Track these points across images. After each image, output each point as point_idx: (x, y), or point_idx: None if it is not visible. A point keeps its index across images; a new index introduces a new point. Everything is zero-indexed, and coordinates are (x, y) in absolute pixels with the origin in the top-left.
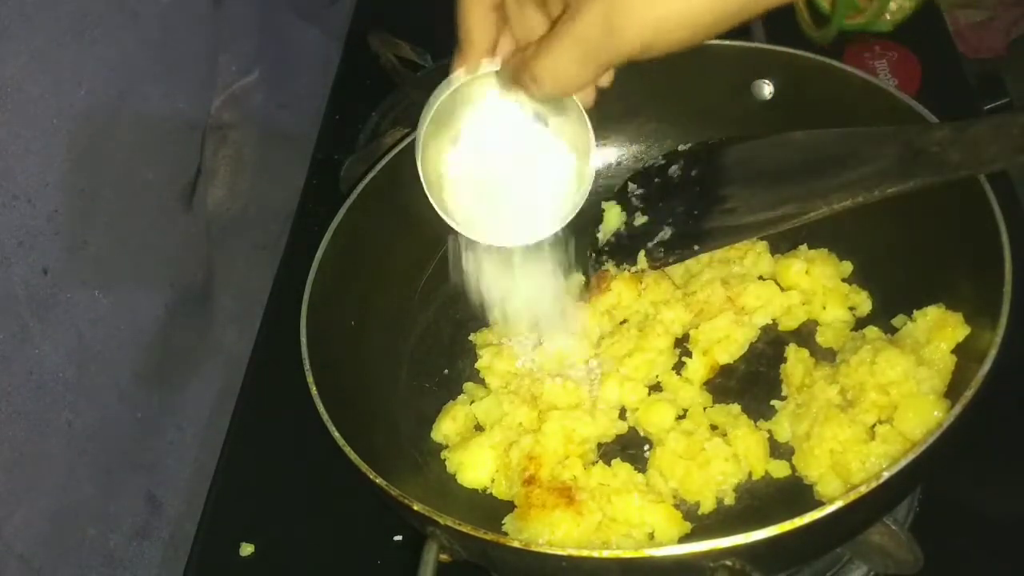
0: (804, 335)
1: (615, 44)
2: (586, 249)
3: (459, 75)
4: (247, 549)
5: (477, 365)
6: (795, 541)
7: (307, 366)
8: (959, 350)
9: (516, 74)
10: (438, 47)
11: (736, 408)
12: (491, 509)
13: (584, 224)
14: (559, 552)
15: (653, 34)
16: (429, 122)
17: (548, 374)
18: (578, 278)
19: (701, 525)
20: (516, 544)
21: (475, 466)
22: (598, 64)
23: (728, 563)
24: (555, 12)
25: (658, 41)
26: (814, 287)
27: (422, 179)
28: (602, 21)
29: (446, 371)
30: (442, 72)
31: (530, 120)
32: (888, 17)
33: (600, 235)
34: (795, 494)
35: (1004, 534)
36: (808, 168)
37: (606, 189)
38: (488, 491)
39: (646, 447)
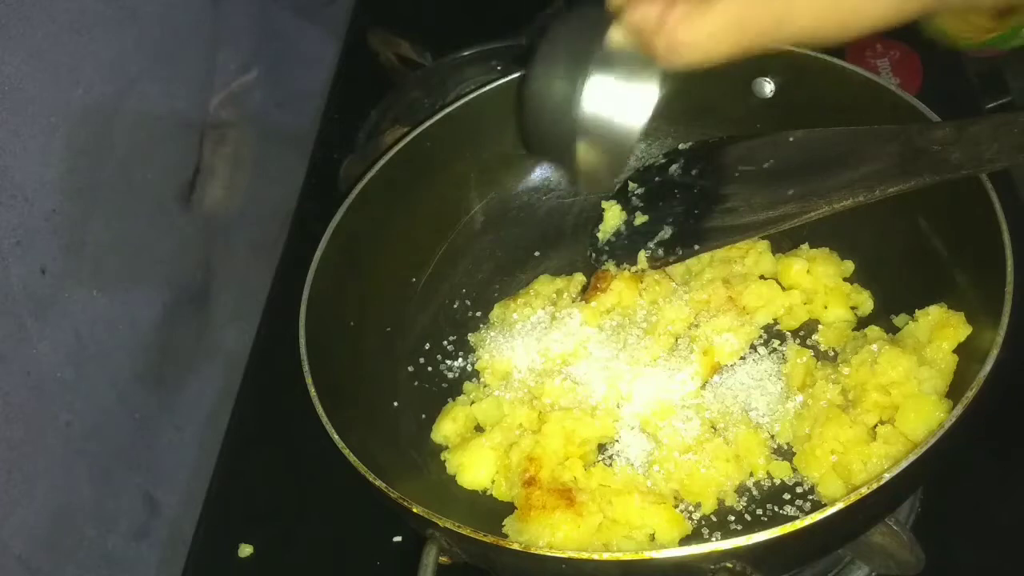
0: (805, 335)
1: (783, 26)
2: (586, 249)
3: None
4: (246, 550)
5: (477, 365)
6: (796, 542)
7: (306, 367)
8: (961, 350)
9: (648, 36)
10: (438, 45)
11: (737, 408)
12: (491, 511)
13: (584, 224)
14: (559, 555)
15: (830, 17)
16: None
17: (548, 374)
18: (578, 278)
19: (702, 526)
20: (516, 547)
21: (475, 467)
22: (749, 46)
23: (729, 565)
24: None
25: (828, 28)
26: (815, 286)
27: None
28: None
29: (446, 371)
30: (442, 71)
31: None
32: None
33: (600, 235)
34: (796, 495)
35: (1006, 535)
36: (809, 167)
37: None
38: (488, 492)
39: (647, 448)
